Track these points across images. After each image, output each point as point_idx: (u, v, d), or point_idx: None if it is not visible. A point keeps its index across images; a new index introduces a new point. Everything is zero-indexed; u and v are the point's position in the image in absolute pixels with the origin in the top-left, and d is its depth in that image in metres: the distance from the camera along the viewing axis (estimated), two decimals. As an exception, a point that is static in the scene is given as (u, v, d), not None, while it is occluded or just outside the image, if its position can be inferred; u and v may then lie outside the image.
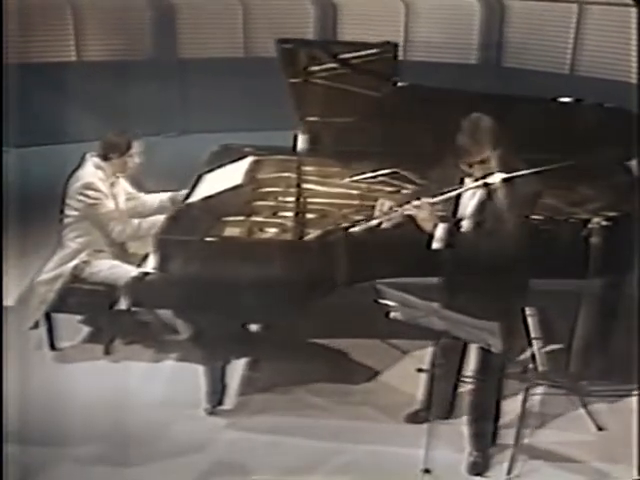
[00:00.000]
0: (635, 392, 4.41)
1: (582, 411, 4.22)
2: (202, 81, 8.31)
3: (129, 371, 4.62)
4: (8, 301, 5.09)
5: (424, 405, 4.14)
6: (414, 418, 4.17)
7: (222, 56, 8.52)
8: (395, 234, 3.83)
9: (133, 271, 4.40)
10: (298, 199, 4.47)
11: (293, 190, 4.54)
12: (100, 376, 4.58)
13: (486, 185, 3.44)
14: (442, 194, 3.53)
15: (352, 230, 3.72)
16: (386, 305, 3.41)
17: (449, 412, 4.15)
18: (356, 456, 3.98)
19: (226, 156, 5.03)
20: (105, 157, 4.68)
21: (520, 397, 3.89)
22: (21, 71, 7.56)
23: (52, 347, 4.79)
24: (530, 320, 3.76)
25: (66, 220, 4.71)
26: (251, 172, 4.80)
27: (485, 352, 3.49)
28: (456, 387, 4.12)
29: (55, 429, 4.12)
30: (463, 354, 3.95)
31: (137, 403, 4.32)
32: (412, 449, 3.78)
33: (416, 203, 3.52)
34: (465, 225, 3.57)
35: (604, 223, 4.16)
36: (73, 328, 4.92)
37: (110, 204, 4.69)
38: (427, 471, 3.59)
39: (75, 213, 4.65)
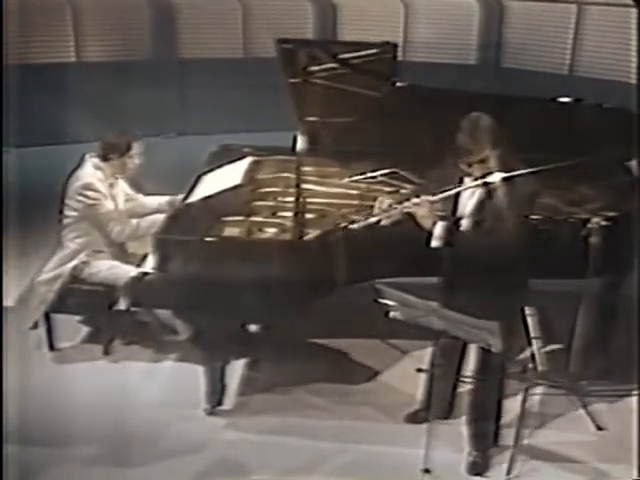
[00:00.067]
0: (635, 392, 4.41)
1: (582, 411, 4.23)
2: (202, 82, 8.31)
3: (128, 371, 4.62)
4: (8, 301, 5.10)
5: (424, 405, 4.14)
6: (414, 418, 4.17)
7: (222, 57, 8.52)
8: (395, 234, 3.85)
9: (132, 271, 4.40)
10: (297, 199, 4.47)
11: (292, 190, 4.54)
12: (99, 376, 4.58)
13: (485, 184, 3.45)
14: (442, 192, 3.53)
15: (351, 227, 3.72)
16: (386, 305, 3.41)
17: (449, 412, 4.15)
18: (356, 456, 3.98)
19: (225, 156, 5.04)
20: (105, 158, 4.68)
21: (520, 397, 3.89)
22: (21, 71, 7.57)
23: (51, 347, 4.79)
24: (530, 320, 3.76)
25: (65, 220, 4.71)
26: (250, 172, 4.81)
27: (485, 352, 3.49)
28: (455, 387, 4.12)
29: (55, 429, 4.12)
30: (463, 354, 3.96)
31: (136, 403, 4.32)
32: (412, 449, 3.78)
33: (415, 201, 3.52)
34: (464, 224, 3.57)
35: (604, 223, 4.16)
36: (72, 328, 4.92)
37: (109, 204, 4.69)
38: (427, 471, 3.59)
39: (74, 213, 4.65)
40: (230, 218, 4.60)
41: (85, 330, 4.97)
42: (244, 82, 8.13)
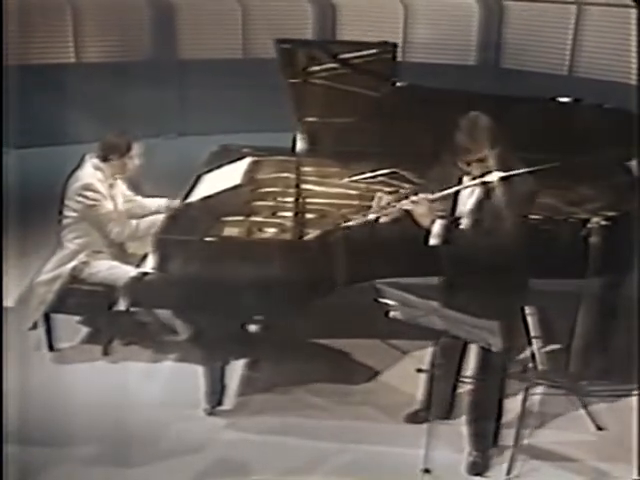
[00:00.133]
0: (635, 392, 4.41)
1: (582, 411, 4.23)
2: (201, 82, 8.32)
3: (128, 372, 4.62)
4: (8, 302, 5.09)
5: (424, 405, 4.13)
6: (414, 418, 4.17)
7: (221, 57, 8.53)
8: (394, 234, 3.84)
9: (132, 271, 4.39)
10: (297, 199, 4.48)
11: (292, 190, 4.55)
12: (99, 377, 4.57)
13: (484, 183, 3.45)
14: (440, 191, 3.53)
15: (350, 224, 3.71)
16: (386, 304, 3.41)
17: (449, 412, 4.14)
18: (356, 456, 3.97)
19: (225, 156, 5.04)
20: (104, 158, 4.67)
21: (520, 397, 3.89)
22: (21, 72, 7.57)
23: (51, 348, 4.78)
24: (530, 319, 3.76)
25: (65, 221, 4.70)
26: (250, 172, 4.81)
27: (485, 351, 3.49)
28: (456, 387, 4.12)
29: (55, 429, 4.12)
30: (463, 354, 3.96)
31: (136, 403, 4.32)
32: (412, 449, 3.78)
33: (414, 198, 3.52)
34: (463, 223, 3.57)
35: (603, 223, 4.16)
36: (72, 329, 4.92)
37: (109, 205, 4.68)
38: (427, 471, 3.59)
39: (74, 214, 4.64)
40: (230, 218, 4.61)
41: (85, 330, 4.97)
42: (244, 82, 8.13)
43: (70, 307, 4.71)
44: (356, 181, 4.90)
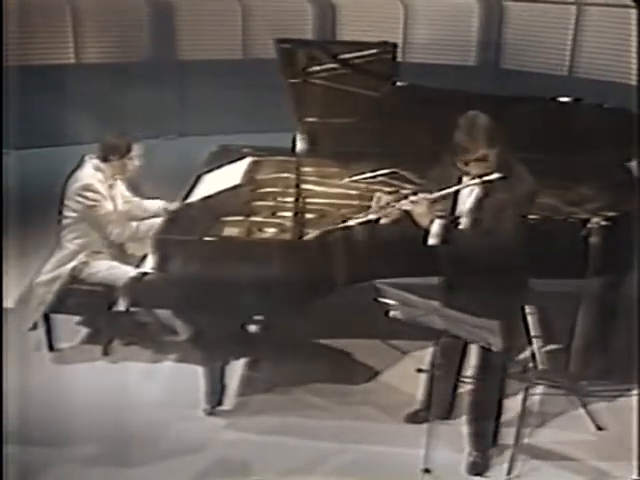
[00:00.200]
0: (635, 392, 4.41)
1: (582, 410, 4.22)
2: (201, 83, 8.32)
3: (128, 372, 4.61)
4: (8, 302, 5.09)
5: (424, 405, 4.13)
6: (414, 418, 4.17)
7: (221, 58, 8.53)
8: (394, 234, 3.84)
9: (132, 271, 4.39)
10: (297, 199, 4.48)
11: (292, 190, 4.55)
12: (99, 377, 4.57)
13: (483, 183, 3.45)
14: (439, 191, 3.53)
15: (349, 224, 3.70)
16: (386, 304, 3.41)
17: (449, 412, 4.14)
18: (356, 456, 3.97)
19: (225, 157, 5.04)
20: (105, 159, 4.67)
21: (519, 396, 3.89)
22: (21, 73, 7.58)
23: (51, 348, 4.78)
24: (530, 318, 3.76)
25: (64, 221, 4.70)
26: (250, 172, 4.81)
27: (485, 351, 3.49)
28: (456, 387, 4.12)
29: (54, 429, 4.12)
30: (463, 354, 3.96)
31: (136, 404, 4.31)
32: (412, 449, 3.78)
33: (413, 198, 3.52)
34: (462, 222, 3.57)
35: (603, 223, 4.16)
36: (72, 329, 4.92)
37: (108, 206, 4.68)
38: (427, 471, 3.59)
39: (73, 214, 4.64)
40: (230, 218, 4.61)
41: (84, 331, 4.96)
42: (243, 83, 8.14)
43: (70, 307, 4.71)
44: (356, 181, 4.90)
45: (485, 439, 3.92)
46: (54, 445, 4.02)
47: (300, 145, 4.54)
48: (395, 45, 4.35)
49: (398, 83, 4.38)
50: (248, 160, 4.88)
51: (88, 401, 4.31)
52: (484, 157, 3.38)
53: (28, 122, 7.58)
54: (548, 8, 8.13)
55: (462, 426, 3.98)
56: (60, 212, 4.70)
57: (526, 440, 3.98)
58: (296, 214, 4.47)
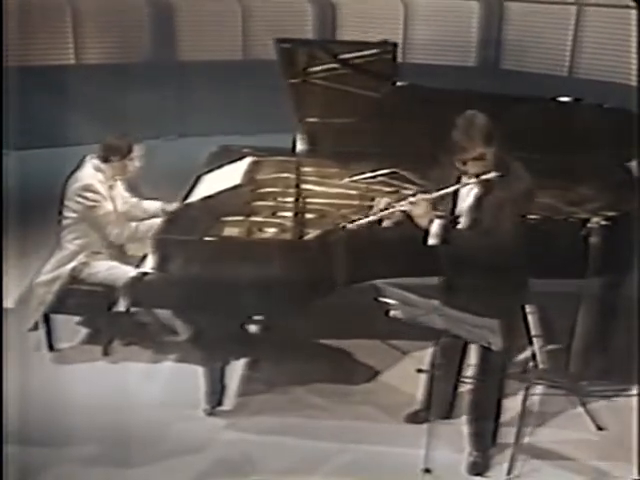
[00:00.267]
0: (635, 392, 4.40)
1: (582, 410, 4.22)
2: (201, 84, 8.31)
3: (128, 372, 4.61)
4: (8, 302, 5.09)
5: (424, 405, 4.13)
6: (414, 418, 4.17)
7: (221, 59, 8.52)
8: (394, 234, 3.84)
9: (132, 272, 4.39)
10: (297, 199, 4.48)
11: (292, 190, 4.55)
12: (99, 377, 4.57)
13: (481, 182, 3.45)
14: (438, 191, 3.53)
15: (350, 226, 3.70)
16: (386, 304, 3.41)
17: (449, 412, 4.14)
18: (356, 456, 3.97)
19: (225, 157, 5.04)
20: (105, 159, 4.67)
21: (519, 396, 3.89)
22: (21, 74, 7.57)
23: (51, 348, 4.78)
24: (530, 318, 3.76)
25: (64, 222, 4.70)
26: (250, 173, 4.81)
27: (485, 351, 3.49)
28: (456, 387, 4.12)
29: (54, 429, 4.12)
30: (463, 354, 3.96)
31: (136, 404, 4.31)
32: (412, 449, 3.79)
33: (412, 199, 3.52)
34: (461, 222, 3.57)
35: (603, 223, 4.16)
36: (72, 329, 4.92)
37: (108, 206, 4.67)
38: (427, 471, 3.59)
39: (73, 215, 4.64)
40: (230, 218, 4.60)
41: (84, 331, 4.96)
42: (244, 84, 8.14)
43: (70, 307, 4.71)
44: (356, 181, 4.89)
45: (485, 439, 3.92)
46: (54, 445, 4.02)
47: (300, 145, 4.54)
48: (395, 44, 4.34)
49: (398, 83, 4.38)
50: (248, 160, 4.87)
51: (88, 401, 4.30)
52: (481, 156, 3.38)
53: (28, 123, 7.58)
54: (548, 8, 8.13)
55: (462, 426, 3.98)
56: (60, 212, 4.70)
57: (526, 440, 3.98)
58: (296, 214, 4.47)
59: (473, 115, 3.42)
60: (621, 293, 4.48)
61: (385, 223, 3.66)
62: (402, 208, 3.54)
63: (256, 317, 4.75)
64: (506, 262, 3.44)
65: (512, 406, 4.00)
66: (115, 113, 7.40)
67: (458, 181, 3.55)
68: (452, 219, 3.56)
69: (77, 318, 4.98)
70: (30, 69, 7.83)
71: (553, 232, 4.21)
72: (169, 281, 4.04)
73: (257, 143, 5.33)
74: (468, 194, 3.53)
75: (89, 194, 4.59)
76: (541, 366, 3.75)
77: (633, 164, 4.73)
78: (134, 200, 4.96)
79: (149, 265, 4.21)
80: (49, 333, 4.76)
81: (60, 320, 4.79)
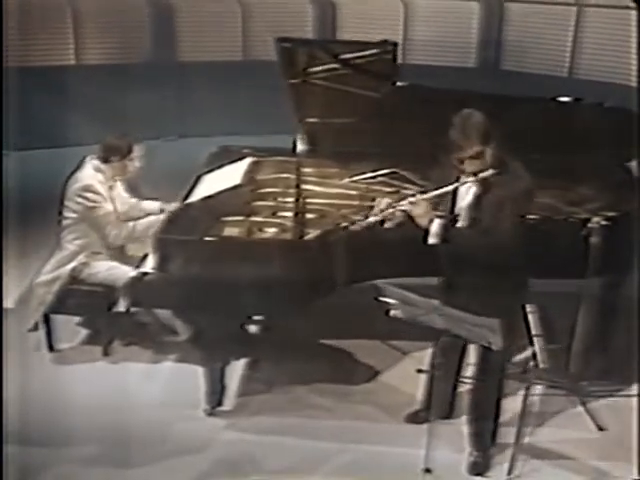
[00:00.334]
0: (635, 392, 4.40)
1: (582, 409, 4.22)
2: (201, 84, 8.31)
3: (128, 372, 4.61)
4: (8, 302, 5.09)
5: (424, 405, 4.13)
6: (414, 418, 4.17)
7: (221, 59, 8.52)
8: (394, 234, 3.83)
9: (132, 272, 4.38)
10: (297, 199, 4.48)
11: (292, 191, 4.56)
12: (99, 377, 4.57)
13: (478, 180, 3.45)
14: (436, 190, 3.53)
15: (351, 227, 3.70)
16: (386, 304, 3.41)
17: (449, 412, 4.14)
18: (356, 456, 3.97)
19: (225, 157, 5.04)
20: (105, 160, 4.67)
21: (519, 396, 3.89)
22: (21, 74, 7.57)
23: (51, 348, 4.78)
24: (531, 317, 3.76)
25: (64, 222, 4.70)
26: (250, 173, 4.81)
27: (485, 351, 3.49)
28: (456, 387, 4.12)
29: (54, 430, 4.12)
30: (463, 354, 3.96)
31: (136, 404, 4.31)
32: (412, 449, 3.79)
33: (412, 199, 3.53)
34: (460, 221, 3.57)
35: (604, 223, 4.16)
36: (72, 330, 4.92)
37: (108, 207, 4.67)
38: (428, 471, 3.59)
39: (73, 215, 4.64)
40: (230, 218, 4.61)
41: (84, 331, 4.96)
42: (244, 84, 8.14)
43: (70, 308, 4.71)
44: (356, 181, 4.89)
45: (486, 439, 3.92)
46: (54, 445, 4.02)
47: (300, 145, 4.54)
48: (395, 44, 4.33)
49: (398, 83, 4.38)
50: (248, 160, 4.87)
51: (88, 401, 4.30)
52: (478, 154, 3.38)
53: (28, 123, 7.58)
54: (548, 9, 8.13)
55: (462, 426, 3.98)
56: (60, 213, 4.70)
57: (526, 440, 3.98)
58: (296, 214, 4.47)
59: (469, 113, 3.42)
60: (621, 293, 4.48)
61: (387, 224, 3.66)
62: (402, 208, 3.54)
63: (256, 317, 4.76)
64: (506, 261, 3.44)
65: (512, 406, 4.00)
66: (115, 113, 7.40)
67: (457, 180, 3.55)
68: (451, 218, 3.56)
69: (77, 318, 4.97)
70: (30, 69, 7.83)
71: (553, 232, 4.21)
72: (169, 281, 4.04)
73: (257, 143, 5.33)
74: (467, 193, 3.54)
75: (89, 194, 4.59)
76: (541, 366, 3.75)
77: (633, 164, 4.73)
78: (133, 201, 4.95)
79: (149, 265, 4.22)
80: (49, 333, 4.75)
81: (60, 320, 4.79)
